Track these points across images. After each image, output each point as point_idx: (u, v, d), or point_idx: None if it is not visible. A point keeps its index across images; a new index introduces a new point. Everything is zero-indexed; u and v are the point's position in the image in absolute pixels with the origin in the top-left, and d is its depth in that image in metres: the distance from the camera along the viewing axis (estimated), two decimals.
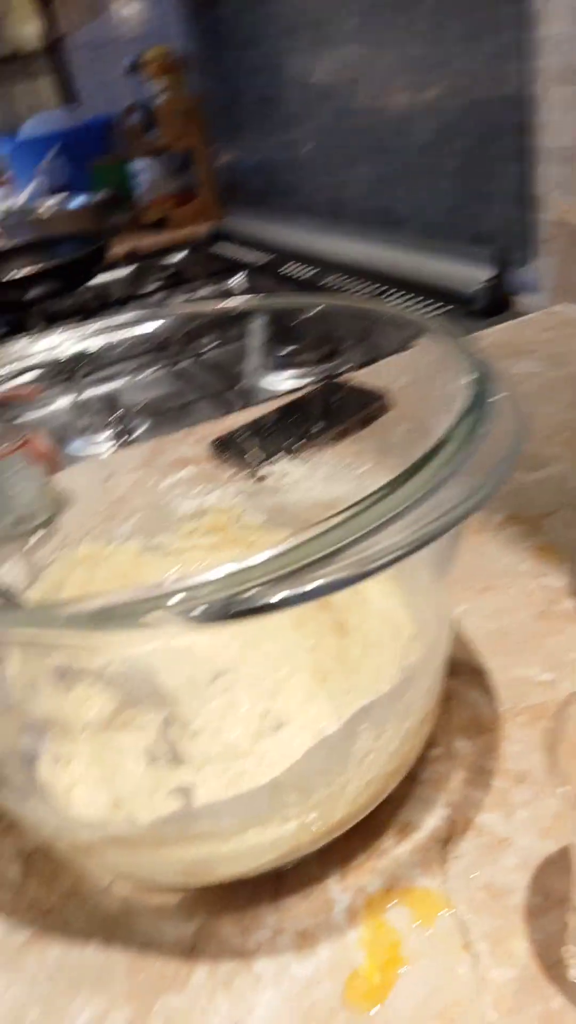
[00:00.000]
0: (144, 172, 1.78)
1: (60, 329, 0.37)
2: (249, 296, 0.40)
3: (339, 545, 0.18)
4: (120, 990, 0.28)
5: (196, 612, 0.17)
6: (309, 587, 0.16)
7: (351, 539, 0.17)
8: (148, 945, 0.29)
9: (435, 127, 0.83)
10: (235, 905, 0.29)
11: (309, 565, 0.17)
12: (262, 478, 0.42)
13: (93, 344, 0.37)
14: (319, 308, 0.36)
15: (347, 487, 0.38)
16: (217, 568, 0.17)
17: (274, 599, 0.16)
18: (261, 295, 0.42)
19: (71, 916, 0.30)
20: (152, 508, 0.43)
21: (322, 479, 0.40)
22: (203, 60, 1.43)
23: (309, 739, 0.26)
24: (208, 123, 1.52)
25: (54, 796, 0.25)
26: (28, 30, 2.38)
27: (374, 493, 0.18)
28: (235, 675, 0.30)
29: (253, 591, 0.17)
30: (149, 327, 0.38)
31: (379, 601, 0.34)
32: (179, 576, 0.40)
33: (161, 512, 0.43)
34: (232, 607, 0.16)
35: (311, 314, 0.44)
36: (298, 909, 0.29)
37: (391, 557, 0.17)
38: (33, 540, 0.39)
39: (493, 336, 0.75)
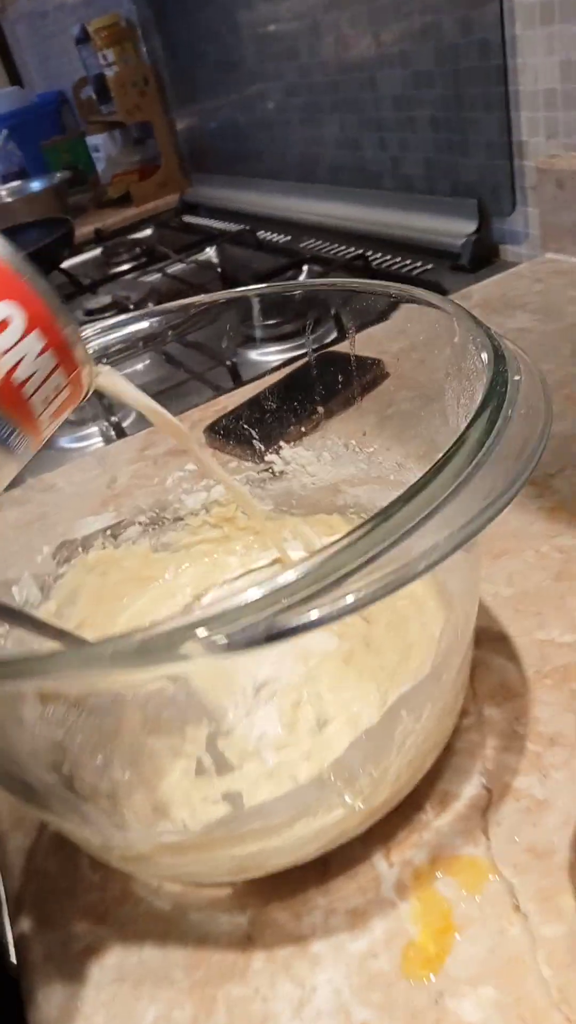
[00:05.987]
0: (102, 148, 1.73)
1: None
2: (244, 288, 0.39)
3: (374, 552, 0.17)
4: (182, 986, 0.28)
5: (233, 639, 0.16)
6: (348, 601, 0.16)
7: (386, 544, 0.17)
8: (204, 939, 0.29)
9: (407, 76, 0.80)
10: (284, 892, 0.30)
11: (346, 575, 0.16)
12: (267, 465, 0.42)
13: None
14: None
15: (357, 467, 0.38)
16: (250, 591, 0.16)
17: (312, 618, 0.16)
18: (261, 285, 0.41)
19: (126, 919, 0.31)
20: (158, 506, 0.42)
21: (330, 462, 0.39)
22: (155, 25, 1.38)
23: (352, 732, 0.26)
24: (166, 91, 1.47)
25: (104, 812, 0.25)
26: None
27: (405, 493, 0.18)
28: (277, 684, 0.30)
29: (289, 610, 0.17)
30: (144, 324, 0.37)
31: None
32: (201, 592, 0.39)
33: (168, 509, 0.42)
34: (272, 629, 0.16)
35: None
36: (347, 889, 0.29)
37: (432, 560, 0.16)
38: (46, 550, 0.38)
39: (483, 291, 0.74)
